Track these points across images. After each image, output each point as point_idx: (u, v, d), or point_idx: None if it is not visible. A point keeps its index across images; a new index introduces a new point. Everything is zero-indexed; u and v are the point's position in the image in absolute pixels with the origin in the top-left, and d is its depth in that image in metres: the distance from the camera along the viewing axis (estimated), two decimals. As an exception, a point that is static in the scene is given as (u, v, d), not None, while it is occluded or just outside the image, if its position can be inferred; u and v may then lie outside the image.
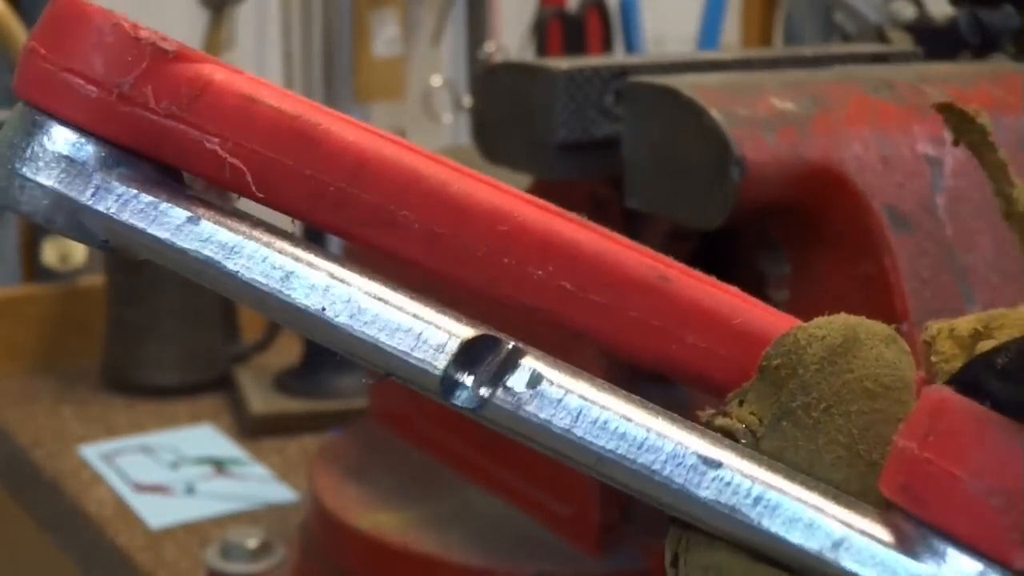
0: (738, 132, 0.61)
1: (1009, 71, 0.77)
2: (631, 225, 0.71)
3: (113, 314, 1.32)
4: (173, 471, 1.14)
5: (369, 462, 0.88)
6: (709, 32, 1.83)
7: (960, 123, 0.33)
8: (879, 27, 0.99)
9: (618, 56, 1.72)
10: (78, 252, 1.37)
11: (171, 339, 1.30)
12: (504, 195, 0.32)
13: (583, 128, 0.71)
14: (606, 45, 1.77)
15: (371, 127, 0.32)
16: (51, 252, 1.37)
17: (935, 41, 0.91)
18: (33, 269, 1.49)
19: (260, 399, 1.24)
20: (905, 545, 0.29)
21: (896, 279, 0.61)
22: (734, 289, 0.34)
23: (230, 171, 0.30)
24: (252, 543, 0.91)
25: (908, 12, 1.08)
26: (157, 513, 1.05)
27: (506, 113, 0.73)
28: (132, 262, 1.29)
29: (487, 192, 0.32)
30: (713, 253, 0.75)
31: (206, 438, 1.21)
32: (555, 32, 1.77)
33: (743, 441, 0.32)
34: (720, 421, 0.32)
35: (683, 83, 0.65)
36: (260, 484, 1.11)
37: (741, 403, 0.32)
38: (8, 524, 1.25)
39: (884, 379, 0.32)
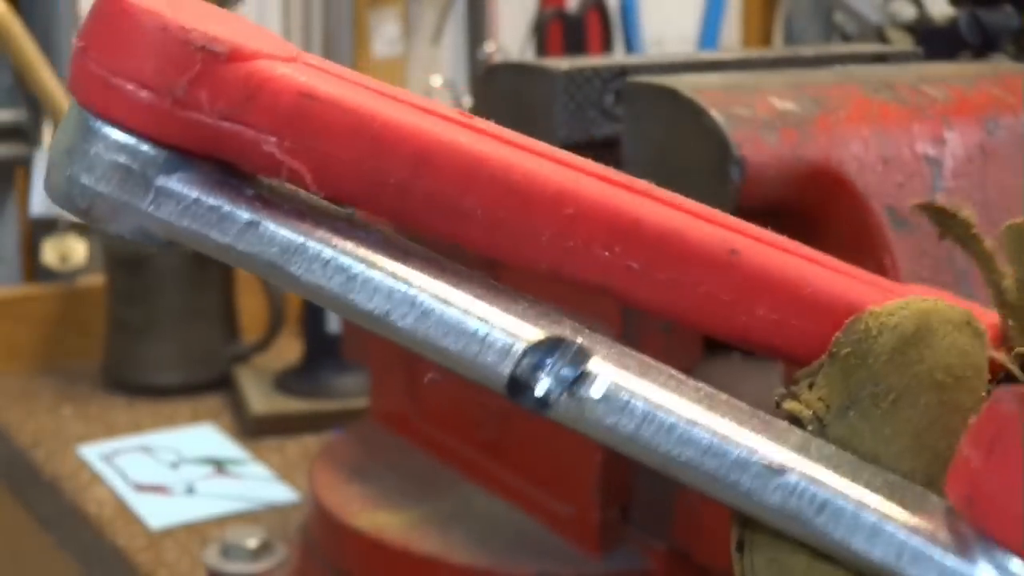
0: (738, 132, 0.61)
1: (1009, 71, 0.77)
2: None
3: (113, 314, 1.32)
4: (173, 471, 1.14)
5: (369, 462, 0.88)
6: (709, 32, 1.83)
7: (943, 220, 0.33)
8: (879, 27, 0.99)
9: (618, 56, 1.72)
10: (78, 252, 1.37)
11: (171, 339, 1.30)
12: (569, 172, 0.31)
13: (583, 128, 0.71)
14: (606, 45, 1.77)
15: (434, 107, 0.31)
16: (51, 252, 1.37)
17: (935, 41, 0.91)
18: (33, 269, 1.49)
19: (260, 399, 1.24)
20: (967, 554, 0.29)
21: (896, 279, 0.61)
22: (806, 251, 0.34)
23: (288, 171, 0.30)
24: (252, 543, 0.91)
25: (908, 12, 1.08)
26: (157, 513, 1.05)
27: (506, 113, 0.73)
28: (132, 262, 1.29)
29: (551, 172, 0.31)
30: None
31: (206, 438, 1.21)
32: (555, 32, 1.77)
33: (810, 428, 0.32)
34: (789, 404, 0.32)
35: (683, 83, 0.65)
36: (260, 484, 1.11)
37: (811, 386, 0.32)
38: (8, 524, 1.25)
39: (955, 369, 0.31)
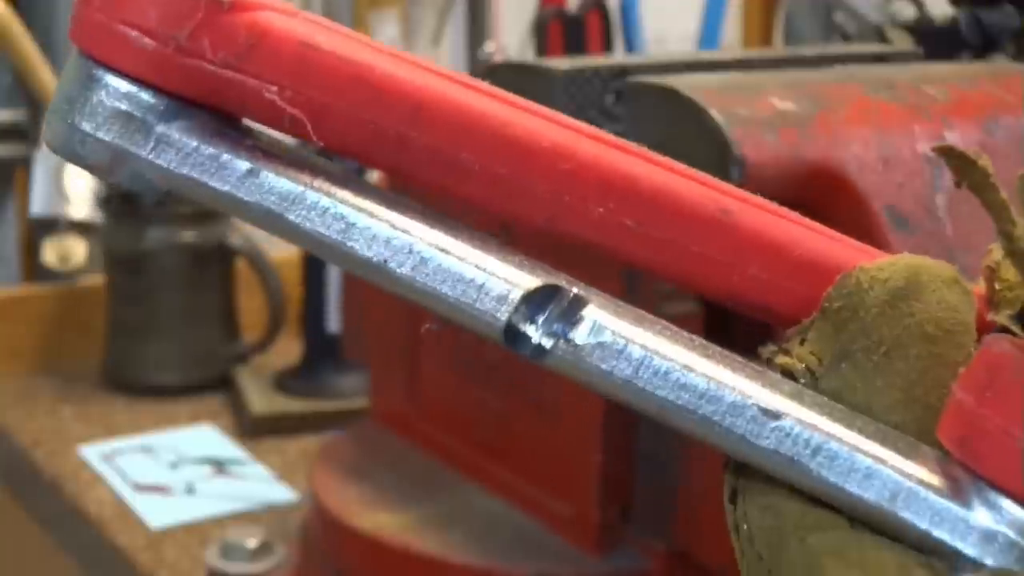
0: (738, 132, 0.61)
1: (1009, 71, 0.77)
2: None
3: (113, 314, 1.32)
4: (173, 471, 1.14)
5: (369, 462, 0.88)
6: (709, 32, 1.83)
7: (962, 166, 0.34)
8: (879, 27, 0.99)
9: (618, 56, 1.72)
10: (78, 252, 1.37)
11: (171, 339, 1.30)
12: (565, 131, 0.32)
13: (583, 128, 0.71)
14: (606, 45, 1.77)
15: (433, 66, 0.31)
16: (51, 252, 1.37)
17: (935, 41, 0.91)
18: (33, 269, 1.49)
19: (260, 399, 1.24)
20: (961, 496, 0.30)
21: (896, 279, 0.61)
22: (798, 216, 0.34)
23: (289, 120, 0.30)
24: (252, 543, 0.91)
25: (908, 12, 1.08)
26: (157, 513, 1.05)
27: (506, 113, 0.73)
28: (132, 262, 1.29)
29: (549, 129, 0.32)
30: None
31: (206, 438, 1.21)
32: (555, 32, 1.77)
33: (802, 381, 0.32)
34: (780, 359, 0.33)
35: (683, 83, 0.65)
36: (260, 484, 1.11)
37: (802, 341, 0.33)
38: (8, 524, 1.25)
39: (945, 323, 0.32)
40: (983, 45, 0.91)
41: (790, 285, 0.34)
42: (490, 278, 0.30)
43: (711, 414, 0.30)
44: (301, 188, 0.30)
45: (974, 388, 0.29)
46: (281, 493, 1.08)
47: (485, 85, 0.32)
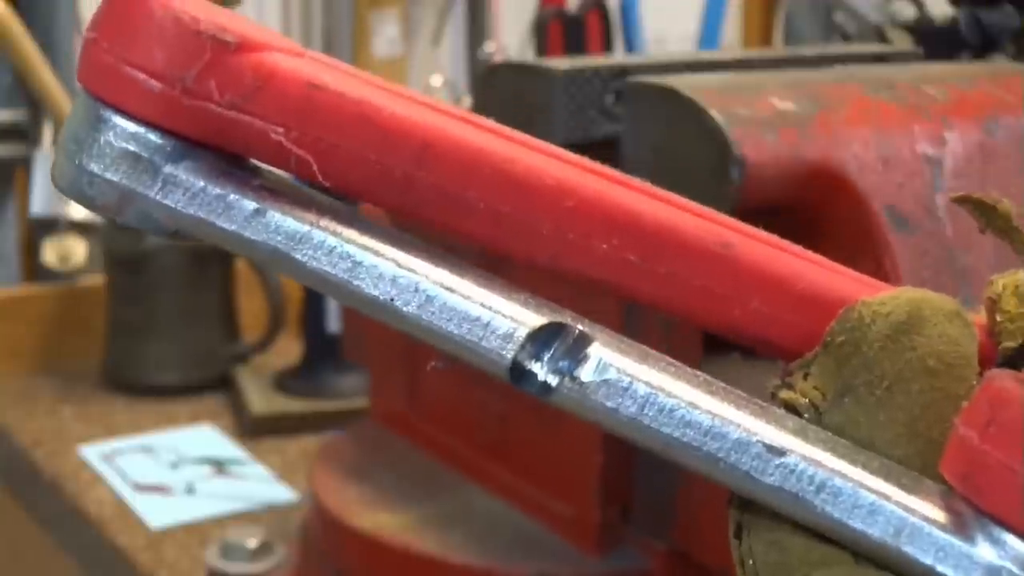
0: (738, 132, 0.61)
1: (1009, 71, 0.77)
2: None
3: (113, 314, 1.32)
4: (173, 471, 1.14)
5: (369, 462, 0.88)
6: (709, 32, 1.83)
7: (984, 213, 0.34)
8: (879, 27, 0.99)
9: (618, 56, 1.72)
10: (78, 252, 1.37)
11: (171, 339, 1.30)
12: (568, 167, 0.32)
13: (583, 128, 0.71)
14: (606, 45, 1.77)
15: (438, 104, 0.31)
16: (51, 252, 1.37)
17: (935, 41, 0.91)
18: (33, 269, 1.49)
19: (260, 399, 1.24)
20: (964, 532, 0.30)
21: (896, 279, 0.61)
22: (799, 250, 0.35)
23: (295, 161, 0.30)
24: (252, 543, 0.91)
25: (908, 12, 1.08)
26: (157, 513, 1.05)
27: (506, 113, 0.73)
28: (132, 262, 1.29)
29: (553, 167, 0.32)
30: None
31: (206, 438, 1.21)
32: (555, 32, 1.77)
33: (806, 416, 0.32)
34: (784, 394, 0.33)
35: (683, 83, 0.65)
36: (260, 484, 1.11)
37: (805, 376, 0.33)
38: (8, 524, 1.25)
39: (946, 357, 0.32)
40: (983, 45, 0.91)
41: (792, 318, 0.34)
42: (495, 316, 0.30)
43: (716, 451, 0.31)
44: (307, 227, 0.30)
45: (977, 424, 0.29)
46: (281, 493, 1.08)
47: (488, 122, 0.32)
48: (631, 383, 0.30)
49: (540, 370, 0.30)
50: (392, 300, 0.30)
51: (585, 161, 0.33)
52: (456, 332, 0.30)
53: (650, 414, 0.30)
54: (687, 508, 0.72)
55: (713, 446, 0.30)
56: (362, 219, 0.31)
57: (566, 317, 0.31)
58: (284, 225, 0.30)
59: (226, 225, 0.30)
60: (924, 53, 0.86)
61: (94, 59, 0.30)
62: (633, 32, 1.80)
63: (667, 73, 0.70)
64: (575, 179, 0.32)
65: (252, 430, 1.21)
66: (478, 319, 0.30)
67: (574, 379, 0.30)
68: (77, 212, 1.37)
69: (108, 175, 0.30)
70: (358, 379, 1.22)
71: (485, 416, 0.84)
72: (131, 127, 0.30)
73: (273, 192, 0.30)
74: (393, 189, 0.31)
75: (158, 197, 0.30)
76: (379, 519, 0.80)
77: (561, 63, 0.72)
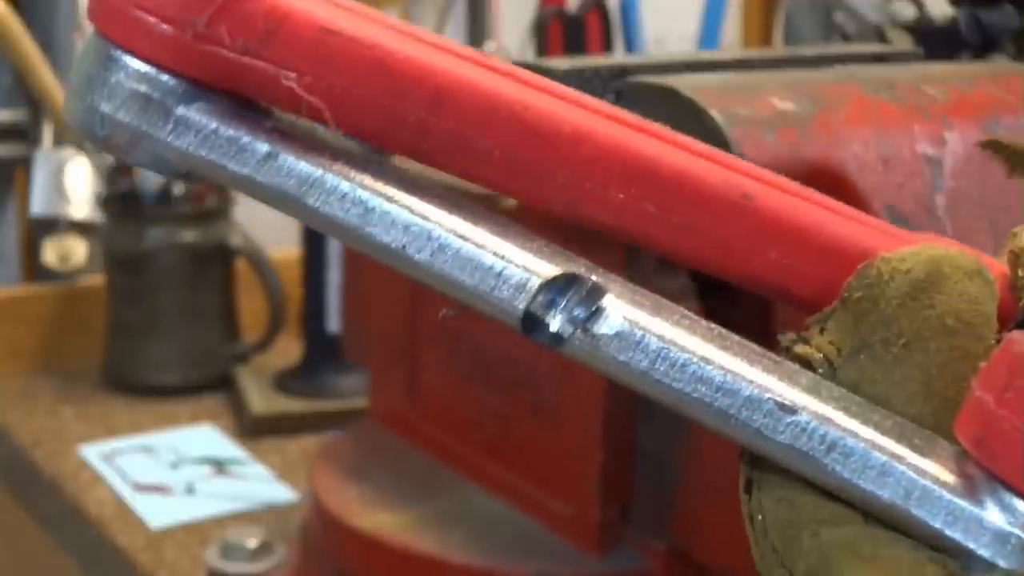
0: (738, 132, 0.61)
1: (1009, 71, 0.77)
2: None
3: (113, 314, 1.32)
4: (173, 471, 1.14)
5: (369, 462, 0.88)
6: (709, 32, 1.83)
7: (1012, 156, 0.33)
8: (879, 27, 0.99)
9: (618, 56, 1.72)
10: (78, 252, 1.37)
11: (171, 339, 1.30)
12: (586, 113, 0.32)
13: (583, 128, 0.71)
14: (606, 45, 1.77)
15: (454, 47, 0.31)
16: (51, 252, 1.37)
17: (935, 41, 0.91)
18: (33, 269, 1.49)
19: (260, 399, 1.24)
20: (975, 496, 0.29)
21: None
22: (821, 198, 0.34)
23: (307, 107, 0.30)
24: (252, 543, 0.91)
25: (908, 12, 1.08)
26: (157, 513, 1.05)
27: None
28: (132, 262, 1.29)
29: (569, 112, 0.31)
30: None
31: (206, 438, 1.21)
32: (555, 32, 1.77)
33: (820, 370, 0.32)
34: (799, 348, 0.32)
35: (683, 83, 0.65)
36: (260, 484, 1.11)
37: (822, 330, 0.32)
38: (8, 524, 1.25)
39: (965, 315, 0.31)
40: (983, 45, 0.91)
41: (811, 269, 0.33)
42: (509, 266, 0.30)
43: (727, 407, 0.30)
44: (320, 171, 0.30)
45: (993, 387, 0.29)
46: (281, 493, 1.08)
47: (506, 65, 0.31)
48: (643, 336, 0.30)
49: (552, 320, 0.30)
50: (404, 247, 0.30)
51: (603, 106, 0.32)
52: (468, 281, 0.30)
53: (661, 368, 0.30)
54: (687, 508, 0.72)
55: (724, 402, 0.30)
56: (377, 163, 0.30)
57: (580, 267, 0.30)
58: (296, 169, 0.30)
59: (237, 168, 0.30)
60: (924, 53, 0.86)
61: (106, 1, 0.29)
62: (633, 32, 1.80)
63: (667, 73, 0.70)
64: (592, 126, 0.31)
65: (252, 430, 1.21)
66: (491, 268, 0.30)
67: (586, 331, 0.30)
68: (77, 212, 1.37)
69: (119, 116, 0.29)
70: (358, 379, 1.22)
71: (485, 416, 0.84)
72: (142, 68, 0.29)
73: (286, 135, 0.30)
74: (407, 135, 0.30)
75: (170, 139, 0.30)
76: (379, 519, 0.80)
77: (561, 63, 0.72)
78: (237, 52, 0.29)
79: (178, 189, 1.30)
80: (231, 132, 0.30)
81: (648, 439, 0.74)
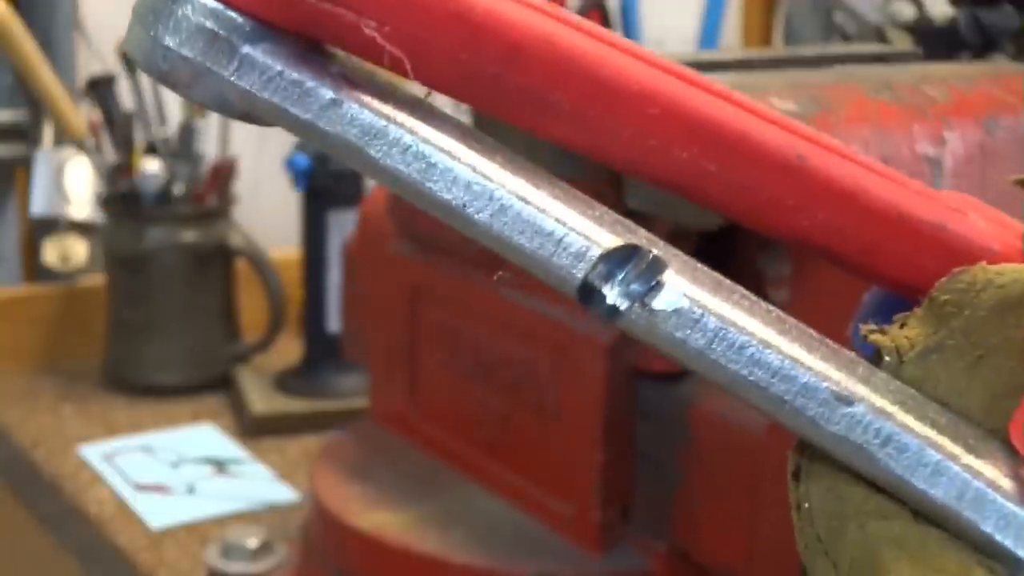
0: (738, 132, 0.61)
1: (1009, 71, 0.77)
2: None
3: (113, 314, 1.32)
4: (173, 471, 1.14)
5: (370, 462, 0.88)
6: (709, 32, 1.83)
7: None
8: (879, 27, 0.99)
9: (618, 56, 1.71)
10: (78, 252, 1.37)
11: (171, 339, 1.30)
12: (655, 71, 0.32)
13: (583, 128, 0.71)
14: (606, 45, 1.77)
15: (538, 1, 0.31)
16: (51, 252, 1.37)
17: (935, 41, 0.91)
18: (33, 269, 1.49)
19: (260, 399, 1.24)
20: None
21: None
22: (865, 159, 0.34)
23: (388, 57, 0.29)
24: (252, 543, 0.91)
25: (908, 12, 1.08)
26: (157, 513, 1.05)
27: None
28: (132, 262, 1.29)
29: (638, 70, 0.31)
30: (714, 253, 0.75)
31: (206, 438, 1.21)
32: (555, 32, 1.77)
33: (887, 358, 0.31)
34: (874, 336, 0.32)
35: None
36: (260, 484, 1.11)
37: (902, 325, 0.32)
38: (9, 524, 1.25)
39: None
40: (983, 45, 0.91)
41: (854, 229, 0.34)
42: (569, 232, 0.29)
43: (783, 393, 0.29)
44: (384, 123, 0.29)
45: None
46: (281, 493, 1.08)
47: (578, 19, 0.31)
48: (702, 315, 0.29)
49: (610, 292, 0.29)
50: (464, 206, 0.29)
51: (671, 63, 0.32)
52: (528, 245, 0.29)
53: (719, 349, 0.29)
54: (687, 508, 0.72)
55: (780, 388, 0.29)
56: (444, 118, 0.30)
57: (641, 239, 0.30)
58: (360, 118, 0.29)
59: (300, 113, 0.29)
60: (924, 53, 0.86)
61: None
62: (633, 32, 1.80)
63: (667, 73, 0.69)
64: (660, 85, 0.32)
65: (252, 430, 1.21)
66: (551, 234, 0.29)
67: (644, 305, 0.29)
68: (77, 212, 1.37)
69: (184, 51, 0.29)
70: (358, 379, 1.22)
71: (485, 416, 0.84)
72: (211, 3, 0.29)
73: (352, 82, 0.29)
74: (482, 89, 0.30)
75: (233, 78, 0.29)
76: (380, 519, 0.80)
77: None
78: None
79: (178, 189, 1.30)
80: (296, 75, 0.29)
81: (648, 439, 0.74)
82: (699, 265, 0.30)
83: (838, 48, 0.96)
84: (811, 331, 0.31)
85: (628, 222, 0.30)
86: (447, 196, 0.29)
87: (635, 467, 0.75)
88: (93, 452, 1.17)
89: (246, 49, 0.29)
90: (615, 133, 0.32)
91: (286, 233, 1.41)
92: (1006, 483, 0.29)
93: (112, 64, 1.39)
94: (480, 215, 0.29)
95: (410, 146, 0.29)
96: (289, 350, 1.32)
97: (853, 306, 0.38)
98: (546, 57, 0.30)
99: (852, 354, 0.31)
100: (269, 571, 0.91)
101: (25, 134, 1.45)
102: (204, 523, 1.04)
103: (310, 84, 0.29)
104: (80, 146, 1.36)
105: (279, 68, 0.29)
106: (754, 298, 0.30)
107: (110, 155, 1.34)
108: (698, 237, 0.74)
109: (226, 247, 1.31)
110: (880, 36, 0.95)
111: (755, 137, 0.33)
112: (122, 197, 1.31)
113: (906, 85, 0.69)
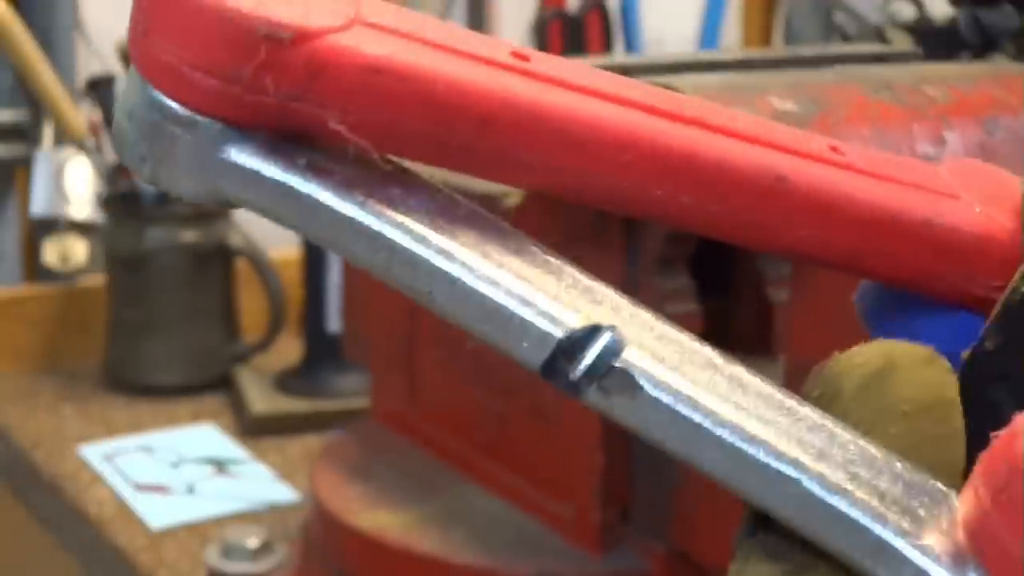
0: (738, 132, 0.61)
1: (1009, 71, 0.77)
2: (632, 226, 0.71)
3: (113, 314, 1.32)
4: (173, 471, 1.14)
5: (370, 462, 0.88)
6: (709, 32, 1.83)
7: None
8: (879, 27, 0.99)
9: (618, 56, 1.72)
10: (78, 252, 1.37)
11: (171, 339, 1.30)
12: (628, 112, 0.32)
13: (583, 128, 0.71)
14: (606, 45, 1.77)
15: (492, 53, 0.31)
16: (51, 252, 1.37)
17: (935, 41, 0.91)
18: (33, 269, 1.49)
19: (260, 399, 1.24)
20: (960, 570, 0.29)
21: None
22: (848, 160, 0.35)
23: (355, 147, 0.30)
24: (253, 543, 0.91)
25: (908, 12, 1.08)
26: (157, 513, 1.05)
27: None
28: (132, 262, 1.29)
29: (612, 116, 0.32)
30: (714, 253, 0.75)
31: (206, 438, 1.21)
32: (555, 32, 1.77)
33: None
34: None
35: (683, 83, 0.65)
36: (261, 484, 1.11)
37: None
38: (9, 524, 1.25)
39: (923, 400, 0.32)
40: (983, 45, 0.91)
41: (842, 239, 0.34)
42: (534, 318, 0.30)
43: (735, 472, 0.31)
44: (351, 213, 0.30)
45: (991, 484, 0.29)
46: (282, 493, 1.08)
47: (546, 68, 0.31)
48: (658, 398, 0.30)
49: (571, 372, 0.30)
50: (430, 292, 0.31)
51: (642, 95, 0.33)
52: (490, 332, 0.31)
53: (673, 431, 0.31)
54: (686, 508, 0.72)
55: (731, 467, 0.30)
56: (412, 196, 0.31)
57: (607, 309, 0.31)
58: (327, 208, 0.30)
59: (278, 208, 0.31)
60: (924, 53, 0.86)
61: (146, 52, 0.30)
62: (633, 32, 1.80)
63: (667, 73, 0.70)
64: (631, 127, 0.32)
65: (252, 430, 1.21)
66: (513, 319, 0.30)
67: (602, 387, 0.30)
68: (77, 212, 1.37)
69: (160, 157, 0.31)
70: (358, 379, 1.22)
71: (485, 416, 0.84)
72: (184, 113, 0.30)
73: (321, 172, 0.31)
74: (452, 158, 0.31)
75: (212, 177, 0.31)
76: (380, 519, 0.80)
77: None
78: (283, 99, 0.30)
79: (178, 189, 1.30)
80: (270, 174, 0.31)
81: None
82: (667, 331, 0.31)
83: (838, 48, 0.96)
84: (774, 394, 0.31)
85: (597, 288, 0.31)
86: (412, 283, 0.31)
87: (634, 468, 0.75)
88: (93, 452, 1.17)
89: (222, 153, 0.30)
90: (589, 181, 0.32)
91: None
92: (940, 547, 0.29)
93: (112, 64, 1.39)
94: (444, 303, 0.31)
95: (376, 236, 0.30)
96: (289, 350, 1.32)
97: (853, 306, 0.38)
98: (514, 121, 0.31)
99: (813, 420, 0.31)
100: (269, 571, 0.91)
101: (25, 134, 1.45)
102: (204, 523, 1.04)
103: (281, 179, 0.31)
104: (80, 146, 1.36)
105: (254, 168, 0.30)
106: (719, 362, 0.31)
107: (110, 155, 1.34)
108: (698, 237, 0.74)
109: (226, 247, 1.31)
110: (880, 36, 0.95)
111: (732, 163, 0.33)
112: (122, 197, 1.31)
113: (906, 85, 0.69)
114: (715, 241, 0.66)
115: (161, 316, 1.29)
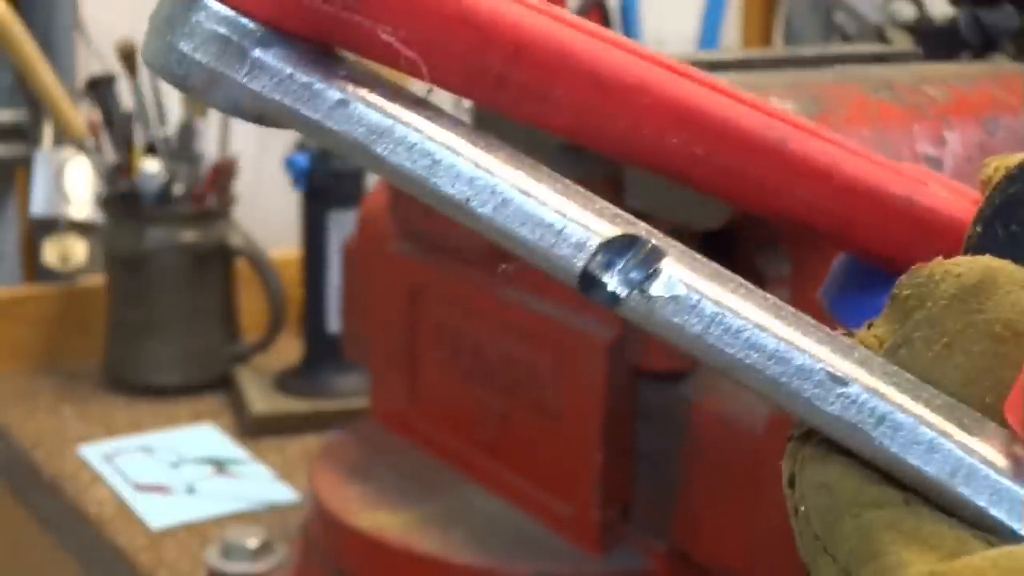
0: (738, 132, 0.61)
1: (1009, 71, 0.77)
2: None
3: (113, 314, 1.32)
4: (173, 471, 1.14)
5: (370, 462, 0.88)
6: (709, 32, 1.83)
7: None
8: (879, 27, 0.99)
9: (618, 56, 1.71)
10: (78, 252, 1.37)
11: (171, 339, 1.30)
12: (649, 65, 0.34)
13: (583, 128, 0.71)
14: (606, 45, 1.77)
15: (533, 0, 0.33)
16: (51, 252, 1.37)
17: (935, 41, 0.91)
18: (33, 269, 1.49)
19: (260, 399, 1.24)
20: (1021, 477, 0.29)
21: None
22: (842, 139, 0.37)
23: (404, 61, 0.31)
24: (252, 543, 0.92)
25: (908, 12, 1.08)
26: (157, 513, 1.05)
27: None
28: (132, 262, 1.29)
29: (634, 64, 0.33)
30: (714, 253, 0.75)
31: (206, 438, 1.21)
32: (555, 32, 1.77)
33: None
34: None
35: (683, 83, 0.65)
36: (260, 484, 1.11)
37: (869, 325, 0.33)
38: (9, 524, 1.25)
39: (1016, 325, 0.31)
40: (983, 45, 0.91)
41: (830, 206, 0.36)
42: (569, 224, 0.30)
43: (778, 375, 0.30)
44: (390, 121, 0.30)
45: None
46: (282, 493, 1.09)
47: (576, 18, 0.33)
48: (699, 301, 0.30)
49: (610, 280, 0.30)
50: (468, 200, 0.30)
51: (660, 56, 0.34)
52: (529, 237, 0.30)
53: (715, 333, 0.30)
54: (687, 508, 0.72)
55: (776, 370, 0.30)
56: (447, 117, 0.31)
57: (640, 229, 0.31)
58: (367, 117, 0.30)
59: (310, 113, 0.31)
60: (924, 53, 0.86)
61: None
62: (633, 32, 1.80)
63: (667, 73, 0.69)
64: (651, 77, 0.34)
65: (252, 430, 1.21)
66: (551, 225, 0.30)
67: (643, 292, 0.30)
68: (77, 212, 1.37)
69: (198, 56, 0.30)
70: (358, 379, 1.22)
71: (485, 416, 0.84)
72: (223, 11, 0.30)
73: (358, 83, 0.31)
74: (487, 87, 0.32)
75: (245, 81, 0.30)
76: (380, 519, 0.80)
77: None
78: (337, 7, 0.30)
79: (178, 189, 1.30)
80: (305, 78, 0.30)
81: (648, 439, 0.74)
82: (697, 255, 0.31)
83: (838, 48, 0.96)
84: (807, 318, 0.31)
85: (627, 215, 0.31)
86: (451, 191, 0.30)
87: (635, 467, 0.75)
88: (93, 452, 1.17)
89: (257, 53, 0.30)
90: (611, 123, 0.33)
91: (286, 233, 1.41)
92: (998, 459, 0.30)
93: (112, 64, 1.39)
94: (483, 209, 0.30)
95: (415, 143, 0.30)
96: (289, 350, 1.32)
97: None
98: (546, 55, 0.32)
99: (848, 339, 0.31)
100: (269, 571, 0.91)
101: (25, 134, 1.46)
102: (204, 523, 1.04)
103: (319, 85, 0.30)
104: (80, 146, 1.36)
105: (289, 71, 0.30)
106: (750, 286, 0.31)
107: (110, 155, 1.34)
108: (698, 237, 0.74)
109: (226, 247, 1.31)
110: (880, 36, 0.95)
111: (740, 123, 0.35)
112: (122, 197, 1.31)
113: (906, 85, 0.69)
114: (715, 241, 0.66)
115: (161, 316, 1.29)
